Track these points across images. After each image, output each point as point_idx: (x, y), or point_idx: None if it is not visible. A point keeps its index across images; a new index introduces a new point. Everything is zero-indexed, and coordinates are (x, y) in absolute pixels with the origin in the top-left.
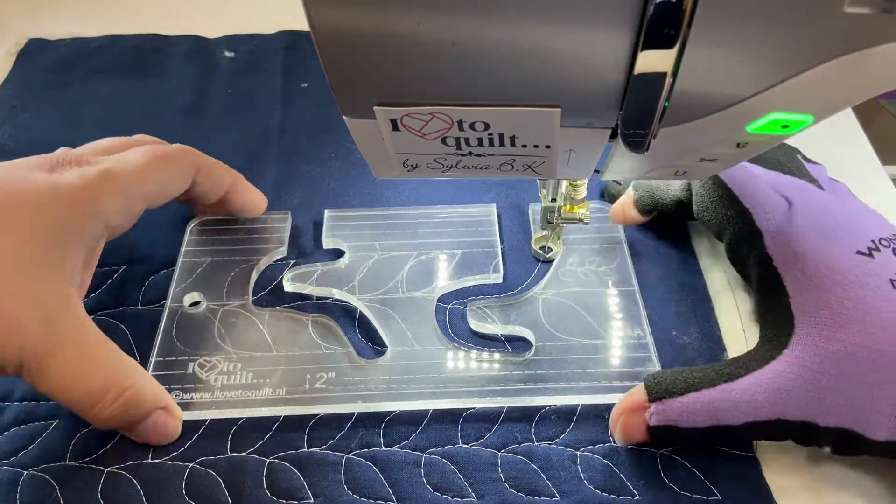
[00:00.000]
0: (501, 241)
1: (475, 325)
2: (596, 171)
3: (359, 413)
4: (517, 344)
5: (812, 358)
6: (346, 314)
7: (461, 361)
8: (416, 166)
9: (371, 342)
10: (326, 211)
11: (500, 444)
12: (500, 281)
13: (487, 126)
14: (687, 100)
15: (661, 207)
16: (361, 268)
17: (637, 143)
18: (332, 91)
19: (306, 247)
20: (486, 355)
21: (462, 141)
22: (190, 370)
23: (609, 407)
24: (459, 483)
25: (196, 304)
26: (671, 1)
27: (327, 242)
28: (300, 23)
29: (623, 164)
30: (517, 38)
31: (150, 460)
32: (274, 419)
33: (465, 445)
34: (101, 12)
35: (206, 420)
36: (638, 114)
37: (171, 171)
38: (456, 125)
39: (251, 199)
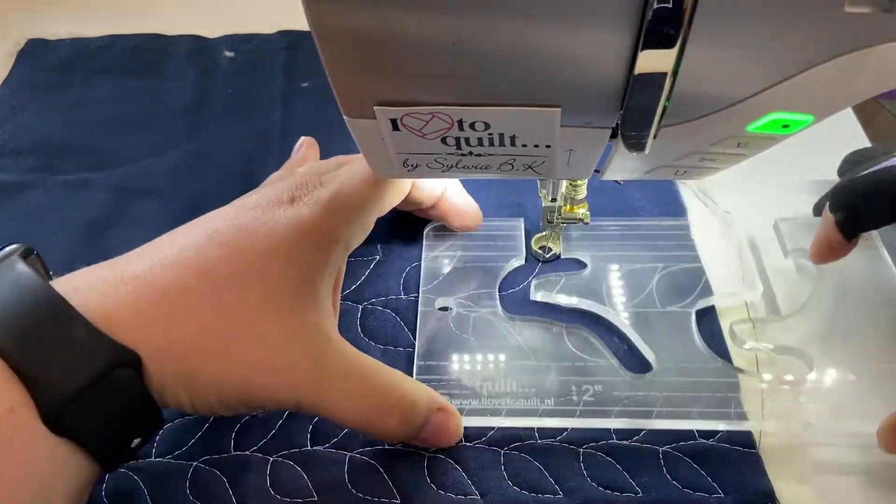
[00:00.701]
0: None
1: (746, 345)
2: (596, 171)
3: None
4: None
5: None
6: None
7: (732, 378)
8: (416, 166)
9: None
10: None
11: (502, 442)
12: (758, 297)
13: (487, 126)
14: (687, 100)
15: (867, 227)
16: (605, 279)
17: (637, 143)
18: (333, 91)
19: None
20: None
21: (462, 141)
22: (454, 376)
23: None
24: (463, 481)
25: (445, 308)
26: (671, 1)
27: (567, 251)
28: (300, 23)
29: (623, 164)
30: (517, 38)
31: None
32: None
33: (467, 443)
34: (102, 12)
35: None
36: (638, 114)
37: (397, 181)
38: (456, 125)
39: (461, 211)
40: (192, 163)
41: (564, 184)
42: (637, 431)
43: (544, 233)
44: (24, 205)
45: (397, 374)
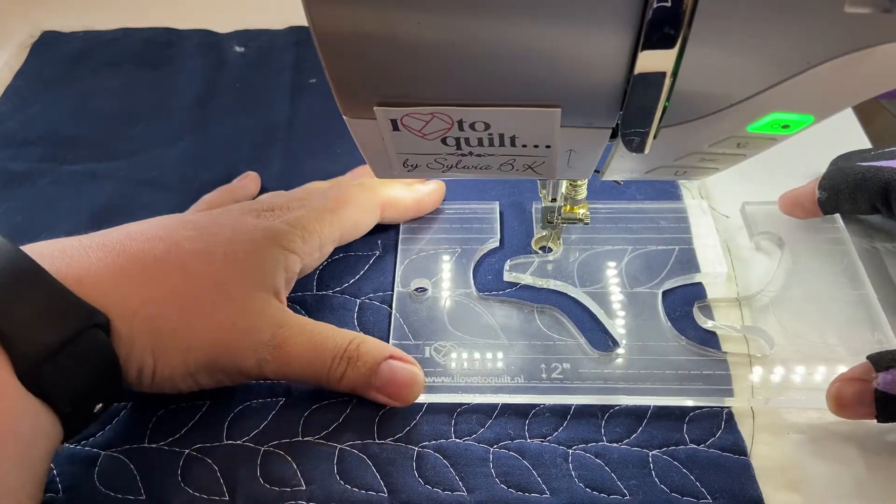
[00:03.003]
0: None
1: (708, 324)
2: (596, 171)
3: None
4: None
5: None
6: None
7: (694, 356)
8: (416, 166)
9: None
10: (535, 203)
11: (492, 440)
12: (723, 279)
13: (487, 126)
14: (687, 100)
15: (845, 210)
16: (574, 261)
17: (637, 143)
18: (333, 91)
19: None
20: (718, 353)
21: (462, 141)
22: (427, 354)
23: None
24: (451, 477)
25: (421, 290)
26: (671, 1)
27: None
28: None
29: (623, 164)
30: (517, 38)
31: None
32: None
33: (457, 440)
34: (115, 6)
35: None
36: (638, 114)
37: (355, 215)
38: (456, 125)
39: (431, 202)
40: (199, 154)
41: (564, 184)
42: (628, 434)
43: (545, 233)
44: (33, 194)
45: (350, 332)
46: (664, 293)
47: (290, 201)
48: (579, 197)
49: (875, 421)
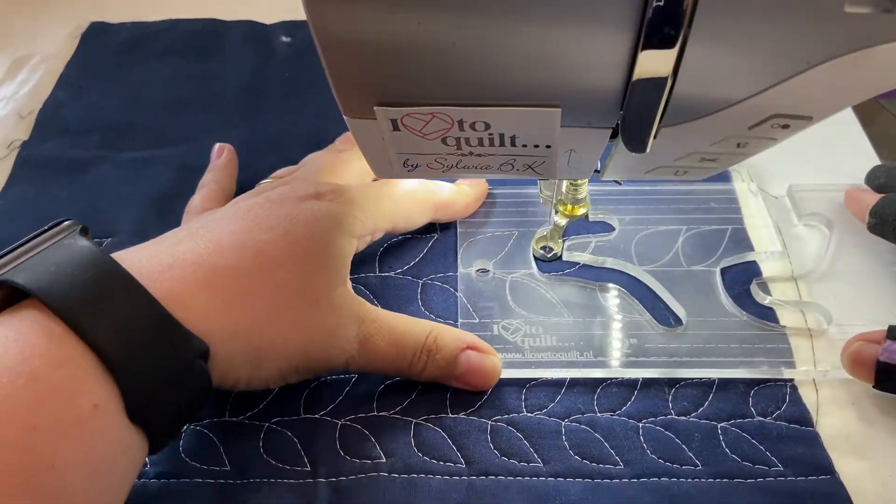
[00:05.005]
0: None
1: (766, 300)
2: (596, 171)
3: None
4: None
5: None
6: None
7: (755, 330)
8: (416, 166)
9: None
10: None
11: (563, 414)
12: (777, 257)
13: (487, 126)
14: (687, 100)
15: (890, 240)
16: (633, 240)
17: (637, 143)
18: (333, 91)
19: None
20: (778, 327)
21: (462, 141)
22: (495, 332)
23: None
24: (525, 449)
25: (483, 271)
26: (671, 1)
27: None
28: None
29: (623, 164)
30: (517, 38)
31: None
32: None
33: (528, 414)
34: None
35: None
36: (638, 114)
37: (411, 210)
38: (456, 125)
39: (478, 204)
40: (252, 142)
41: (565, 184)
42: (696, 407)
43: (545, 233)
44: (95, 180)
45: (427, 322)
46: (721, 271)
47: (326, 172)
48: (579, 196)
49: None
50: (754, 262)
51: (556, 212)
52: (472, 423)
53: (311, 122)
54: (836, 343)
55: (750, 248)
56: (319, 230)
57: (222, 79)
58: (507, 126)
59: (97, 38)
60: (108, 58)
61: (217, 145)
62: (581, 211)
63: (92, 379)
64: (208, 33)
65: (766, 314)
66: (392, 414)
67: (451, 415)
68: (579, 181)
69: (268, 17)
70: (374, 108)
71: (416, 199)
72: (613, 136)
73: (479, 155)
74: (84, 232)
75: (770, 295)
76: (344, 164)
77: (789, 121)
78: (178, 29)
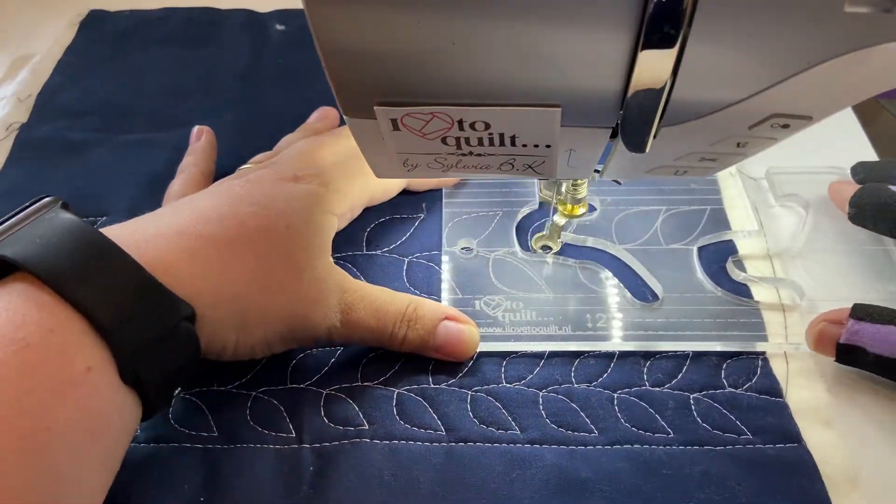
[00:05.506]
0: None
1: (741, 276)
2: (596, 171)
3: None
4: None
5: None
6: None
7: (729, 305)
8: (416, 166)
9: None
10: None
11: (541, 385)
12: (753, 236)
13: (487, 126)
14: (687, 100)
15: (869, 228)
16: (611, 220)
17: (637, 142)
18: (333, 91)
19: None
20: (752, 302)
21: (462, 141)
22: (477, 307)
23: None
24: (504, 417)
25: (467, 250)
26: (671, 0)
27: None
28: None
29: (623, 164)
30: (517, 38)
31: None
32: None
33: (507, 385)
34: None
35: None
36: (638, 113)
37: (381, 180)
38: (456, 125)
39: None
40: (245, 126)
41: (565, 184)
42: (669, 379)
43: (544, 232)
44: (92, 161)
45: (407, 295)
46: (699, 249)
47: (306, 154)
48: (579, 196)
49: None
50: (731, 241)
51: (556, 212)
52: (453, 392)
53: (303, 106)
54: (808, 317)
55: (728, 227)
56: (299, 207)
57: (218, 65)
58: (507, 126)
59: (96, 25)
60: (107, 44)
61: (196, 128)
62: (581, 211)
63: (84, 343)
64: (204, 21)
65: (741, 290)
66: (375, 384)
67: (432, 385)
68: (579, 181)
69: (263, 5)
70: (374, 108)
71: None
72: (613, 135)
73: (479, 155)
74: (65, 206)
75: (745, 272)
76: (319, 147)
77: (789, 120)
78: (176, 17)
